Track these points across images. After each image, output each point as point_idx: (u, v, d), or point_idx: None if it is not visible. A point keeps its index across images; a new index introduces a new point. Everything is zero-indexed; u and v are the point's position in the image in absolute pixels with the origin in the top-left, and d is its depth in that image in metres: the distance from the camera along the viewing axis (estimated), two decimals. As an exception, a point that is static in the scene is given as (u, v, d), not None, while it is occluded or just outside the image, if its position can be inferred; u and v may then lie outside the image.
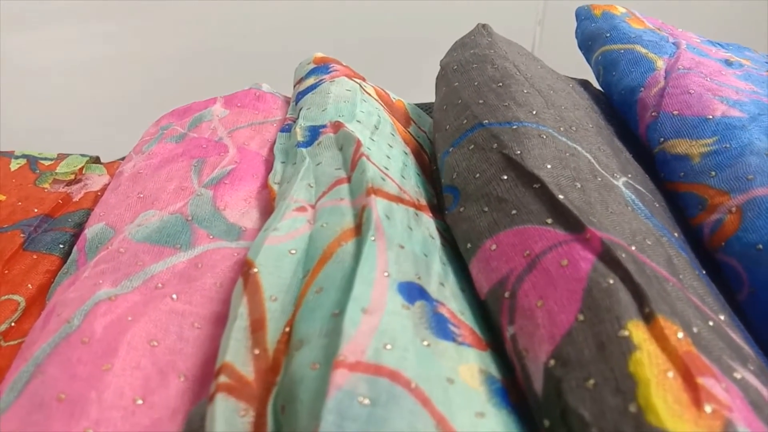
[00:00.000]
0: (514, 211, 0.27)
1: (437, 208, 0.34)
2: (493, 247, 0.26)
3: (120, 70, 0.86)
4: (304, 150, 0.33)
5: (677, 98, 0.35)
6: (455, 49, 0.44)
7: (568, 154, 0.30)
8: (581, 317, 0.21)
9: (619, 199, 0.28)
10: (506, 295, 0.24)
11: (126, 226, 0.31)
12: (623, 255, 0.23)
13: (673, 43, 0.42)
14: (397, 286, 0.23)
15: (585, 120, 0.35)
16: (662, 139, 0.34)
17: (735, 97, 0.34)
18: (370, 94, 0.42)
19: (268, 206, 0.32)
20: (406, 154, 0.37)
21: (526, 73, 0.38)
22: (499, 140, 0.31)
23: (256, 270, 0.23)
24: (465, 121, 0.34)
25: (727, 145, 0.31)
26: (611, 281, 0.22)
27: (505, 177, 0.29)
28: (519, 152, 0.29)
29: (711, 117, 0.33)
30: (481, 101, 0.35)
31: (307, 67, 0.45)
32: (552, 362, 0.20)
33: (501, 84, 0.36)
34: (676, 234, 0.29)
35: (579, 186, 0.27)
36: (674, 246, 0.27)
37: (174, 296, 0.25)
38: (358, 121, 0.36)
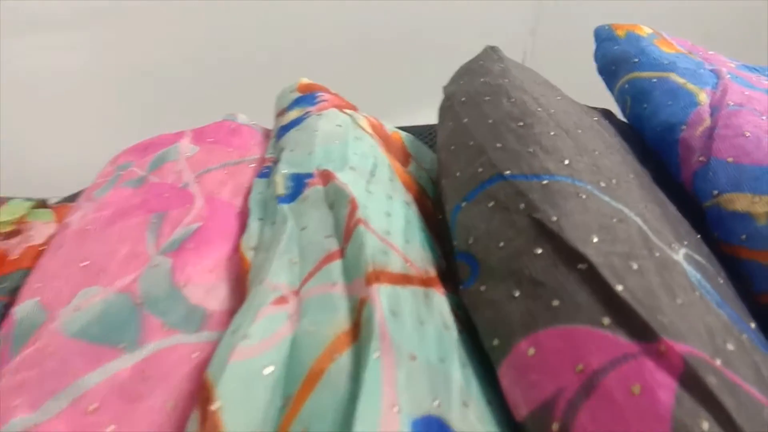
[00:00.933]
0: (556, 302, 0.21)
1: (447, 274, 0.28)
2: (531, 351, 0.20)
3: (103, 81, 0.79)
4: (285, 207, 0.27)
5: (731, 141, 0.30)
6: (461, 75, 0.39)
7: (615, 220, 0.24)
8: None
9: (684, 282, 0.22)
10: (555, 427, 0.18)
11: (62, 309, 0.25)
12: (712, 379, 0.17)
13: (712, 71, 0.36)
14: (411, 424, 0.17)
15: (623, 168, 0.29)
16: (716, 192, 0.29)
17: (802, 142, 0.29)
18: (364, 129, 0.36)
19: (240, 280, 0.26)
20: (407, 205, 0.31)
21: (548, 108, 0.32)
22: (527, 200, 0.25)
23: (216, 406, 0.17)
24: (481, 169, 0.28)
25: (804, 205, 0.26)
26: (705, 425, 0.16)
27: (540, 251, 0.23)
28: (555, 219, 0.23)
29: (777, 167, 0.27)
30: (499, 145, 0.29)
31: (291, 95, 0.39)
32: None
33: (522, 123, 0.30)
34: (752, 325, 0.23)
35: (636, 267, 0.22)
36: (756, 345, 0.21)
37: (111, 428, 0.19)
38: (351, 168, 0.30)
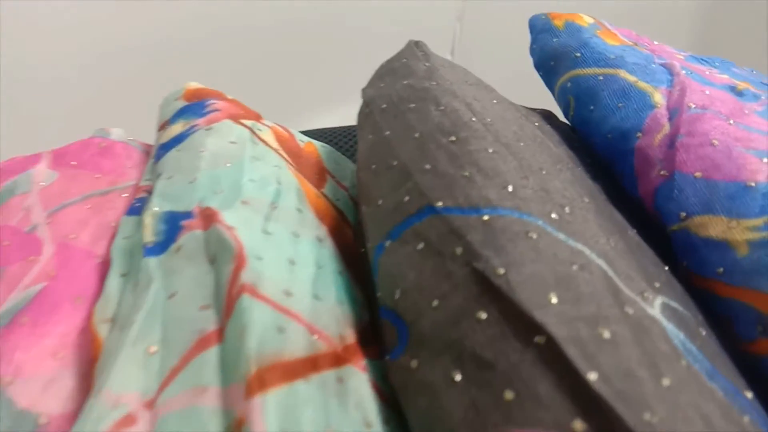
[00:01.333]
0: (509, 394, 0.15)
1: (371, 330, 0.22)
2: (480, 469, 0.15)
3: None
4: (153, 261, 0.21)
5: (697, 152, 0.25)
6: (382, 76, 0.33)
7: (575, 267, 0.19)
8: None
9: (667, 349, 0.17)
10: None
11: None
12: None
13: (664, 66, 0.32)
14: None
15: (575, 190, 0.24)
16: (684, 214, 0.24)
17: (774, 150, 0.25)
18: (266, 144, 0.30)
19: (87, 369, 0.19)
20: (320, 242, 0.25)
21: (484, 116, 0.27)
22: (465, 242, 0.19)
23: None
24: (407, 198, 0.23)
25: (790, 232, 0.21)
26: None
27: (485, 316, 0.17)
28: (503, 271, 0.18)
29: (753, 184, 0.23)
30: (428, 166, 0.23)
31: (175, 104, 0.32)
32: None
33: (454, 138, 0.24)
34: (749, 395, 0.18)
35: (608, 336, 0.16)
36: (761, 429, 0.17)
37: None
38: (244, 202, 0.23)
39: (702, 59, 0.38)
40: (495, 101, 0.31)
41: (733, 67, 0.39)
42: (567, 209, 0.22)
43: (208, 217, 0.22)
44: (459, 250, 0.19)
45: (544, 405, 0.15)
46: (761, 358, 0.21)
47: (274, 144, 0.31)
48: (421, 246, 0.21)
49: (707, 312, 0.23)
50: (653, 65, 0.32)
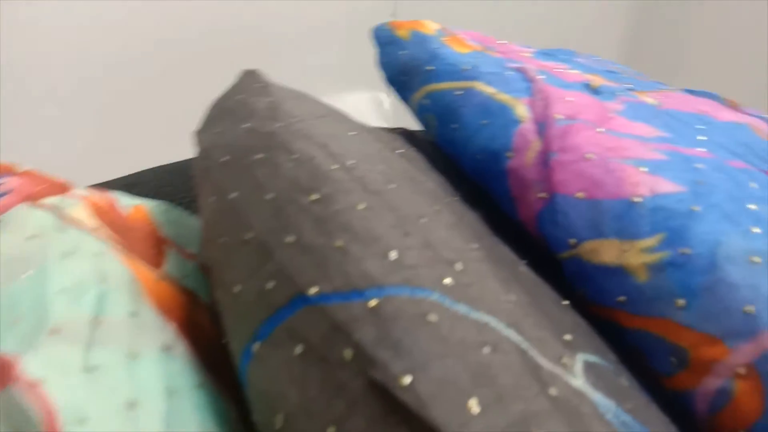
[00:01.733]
0: None
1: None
2: None
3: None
4: None
5: (574, 170, 0.24)
6: (216, 118, 0.28)
7: (487, 351, 0.16)
8: None
9: (602, 431, 0.15)
10: None
11: None
12: None
13: (519, 72, 0.30)
14: None
15: (462, 234, 0.21)
16: (573, 241, 0.22)
17: (649, 155, 0.24)
18: (80, 224, 0.24)
19: None
20: (168, 351, 0.20)
21: (344, 158, 0.23)
22: (354, 342, 0.16)
23: None
24: (271, 284, 0.18)
25: (686, 250, 0.20)
26: None
27: (396, 447, 0.14)
28: (408, 381, 0.14)
29: (638, 199, 0.22)
30: (290, 239, 0.19)
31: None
32: None
33: (317, 196, 0.20)
34: None
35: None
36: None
37: None
38: (54, 331, 0.18)
39: (548, 53, 0.37)
40: (352, 133, 0.27)
41: (575, 56, 0.39)
42: (459, 266, 0.19)
43: (2, 372, 0.16)
44: (349, 354, 0.16)
45: None
46: (682, 394, 0.19)
47: (91, 222, 0.25)
48: (299, 350, 0.17)
49: (617, 345, 0.21)
50: (508, 72, 0.30)
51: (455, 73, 0.30)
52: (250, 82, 0.28)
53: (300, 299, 0.17)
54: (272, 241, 0.20)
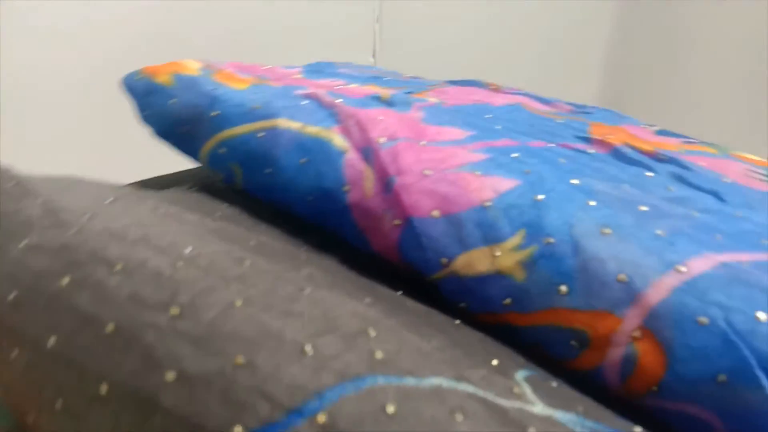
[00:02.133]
0: None
1: None
2: None
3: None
4: None
5: (420, 190, 0.23)
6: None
7: (460, 418, 0.14)
8: None
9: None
10: None
11: None
12: None
13: (309, 98, 0.29)
14: None
15: (345, 289, 0.19)
16: (445, 260, 0.22)
17: (474, 158, 0.24)
18: None
19: None
20: None
21: (179, 248, 0.19)
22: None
23: None
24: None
25: (549, 239, 0.21)
26: None
27: None
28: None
29: (489, 203, 0.22)
30: (171, 375, 0.15)
31: None
32: None
33: (177, 310, 0.16)
34: (636, 429, 0.18)
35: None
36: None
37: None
38: None
39: (314, 71, 0.36)
40: (161, 211, 0.23)
41: (338, 68, 0.39)
42: (373, 332, 0.17)
43: None
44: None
45: None
46: (591, 372, 0.20)
47: None
48: None
49: (514, 345, 0.22)
50: (303, 102, 0.28)
51: (246, 113, 0.28)
52: (11, 188, 0.22)
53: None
54: (146, 386, 0.15)
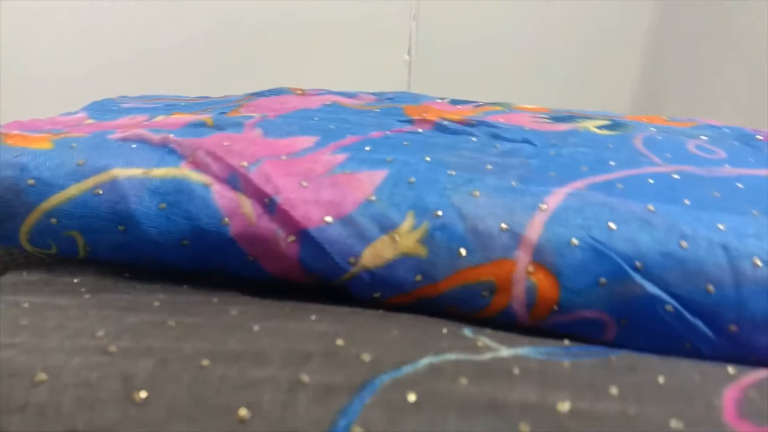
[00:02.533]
0: None
1: None
2: None
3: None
4: None
5: (304, 201, 0.23)
6: None
7: None
8: None
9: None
10: None
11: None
12: None
13: (131, 139, 0.26)
14: None
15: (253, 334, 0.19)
16: (353, 258, 0.23)
17: (337, 159, 0.25)
18: None
19: None
20: None
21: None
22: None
23: None
24: None
25: (437, 212, 0.23)
26: None
27: None
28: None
29: (372, 197, 0.24)
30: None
31: None
32: None
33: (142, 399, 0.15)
34: (566, 342, 0.21)
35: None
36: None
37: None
38: None
39: (99, 110, 0.33)
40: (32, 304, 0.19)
41: (121, 103, 0.36)
42: (341, 342, 0.17)
43: None
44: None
45: None
46: (501, 314, 0.23)
47: None
48: None
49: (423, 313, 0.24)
50: (132, 146, 0.26)
51: (71, 173, 0.24)
52: None
53: None
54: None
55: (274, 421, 0.14)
